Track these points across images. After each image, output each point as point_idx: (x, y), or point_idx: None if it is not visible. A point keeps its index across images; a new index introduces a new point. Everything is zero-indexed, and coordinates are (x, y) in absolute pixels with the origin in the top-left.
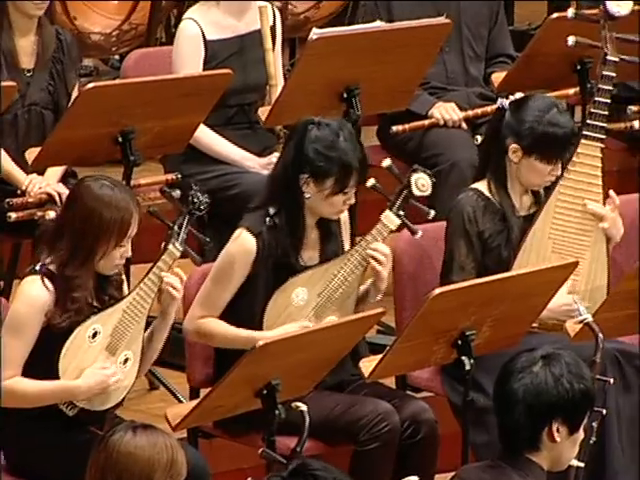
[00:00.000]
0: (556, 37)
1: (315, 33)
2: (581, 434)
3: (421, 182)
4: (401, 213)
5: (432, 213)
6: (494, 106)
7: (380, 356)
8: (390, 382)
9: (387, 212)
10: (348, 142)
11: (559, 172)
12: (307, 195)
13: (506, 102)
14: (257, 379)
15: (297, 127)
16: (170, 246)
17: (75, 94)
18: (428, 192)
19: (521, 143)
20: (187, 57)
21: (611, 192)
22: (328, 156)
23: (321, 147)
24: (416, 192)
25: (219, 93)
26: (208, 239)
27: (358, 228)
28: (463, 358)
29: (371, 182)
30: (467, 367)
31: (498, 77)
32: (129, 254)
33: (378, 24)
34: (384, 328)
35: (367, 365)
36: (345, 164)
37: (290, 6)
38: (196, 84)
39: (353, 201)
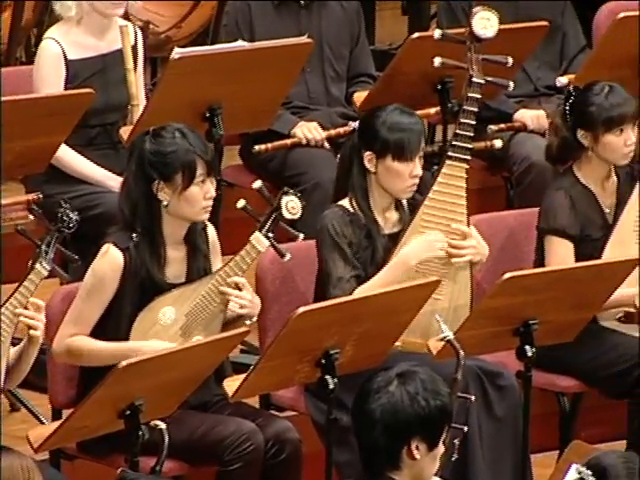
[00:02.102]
0: (417, 57)
1: (177, 52)
2: (441, 449)
3: (291, 205)
4: (270, 235)
5: (301, 237)
6: (351, 125)
7: (244, 376)
8: (254, 401)
9: (256, 234)
10: (185, 137)
11: (419, 171)
12: (165, 202)
13: (357, 124)
14: (120, 399)
15: (134, 143)
16: (37, 265)
17: None
18: (298, 215)
19: (373, 148)
20: (48, 77)
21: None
22: (167, 152)
23: (158, 149)
24: (286, 214)
25: (80, 113)
26: (77, 257)
27: (225, 248)
28: (327, 377)
29: (241, 203)
30: (331, 386)
31: (360, 96)
32: None
33: (240, 44)
34: (248, 347)
35: (231, 385)
36: (185, 156)
37: (152, 25)
38: (57, 104)
39: (213, 194)
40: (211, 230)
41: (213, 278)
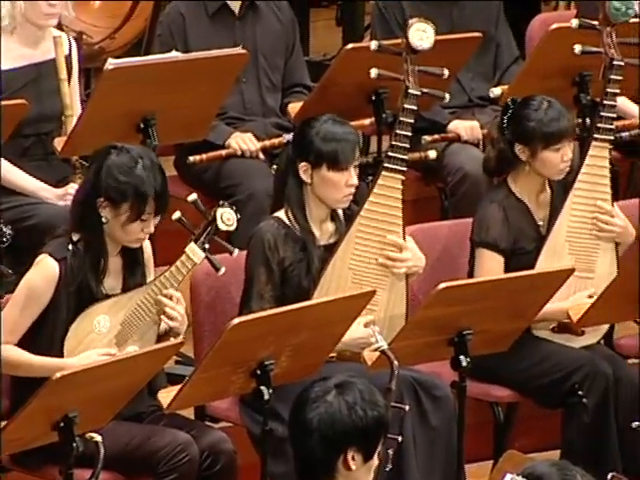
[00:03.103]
0: (351, 68)
1: (111, 63)
2: (375, 461)
3: (226, 217)
4: (206, 247)
5: (236, 252)
6: (285, 138)
7: (179, 387)
8: (189, 412)
9: (192, 245)
10: (146, 170)
11: (355, 181)
12: (104, 220)
13: (291, 136)
14: (54, 411)
15: (99, 152)
16: None
17: None
18: (233, 227)
19: (308, 159)
20: None
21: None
22: (123, 181)
23: (117, 172)
24: (222, 227)
25: (14, 123)
26: (10, 271)
27: (161, 259)
28: (262, 388)
29: (176, 215)
30: (266, 397)
31: (294, 107)
32: None
33: (174, 54)
34: (183, 358)
35: (166, 396)
36: (139, 191)
37: (85, 36)
38: None
39: (152, 230)
40: (146, 242)
41: (149, 288)
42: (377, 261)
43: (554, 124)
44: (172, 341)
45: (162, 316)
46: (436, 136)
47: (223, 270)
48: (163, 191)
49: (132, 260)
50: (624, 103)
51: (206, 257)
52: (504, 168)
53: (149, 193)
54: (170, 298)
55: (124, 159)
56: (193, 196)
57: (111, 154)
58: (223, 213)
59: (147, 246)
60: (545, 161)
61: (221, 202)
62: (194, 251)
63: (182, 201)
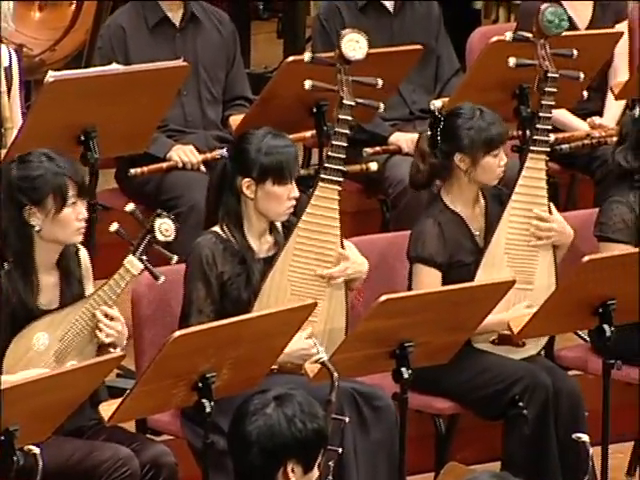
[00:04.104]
0: (292, 80)
1: (51, 76)
2: (316, 473)
3: (164, 227)
4: (144, 258)
5: (175, 258)
6: (218, 153)
7: (120, 400)
8: (130, 426)
9: (130, 257)
10: (53, 160)
11: (297, 193)
12: (37, 227)
13: (225, 152)
14: None
15: (2, 170)
16: None
17: None
18: (172, 237)
19: (251, 175)
20: None
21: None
22: (36, 177)
23: (27, 173)
24: (160, 237)
25: None
26: None
27: (102, 272)
28: (203, 401)
29: (114, 226)
30: (207, 410)
31: (236, 120)
32: None
33: (115, 67)
34: (124, 372)
35: (107, 409)
36: (54, 179)
37: (25, 49)
38: None
39: (85, 215)
40: (83, 253)
41: (87, 302)
42: (316, 272)
43: (493, 129)
44: (113, 353)
45: (98, 333)
46: (377, 148)
47: (162, 279)
48: (75, 171)
49: (68, 273)
50: (565, 115)
51: (145, 267)
52: (433, 181)
53: (64, 177)
54: (106, 316)
55: (26, 162)
56: (130, 206)
57: (12, 167)
58: (161, 224)
59: (84, 256)
60: (485, 167)
61: (159, 211)
62: (132, 263)
63: (123, 213)
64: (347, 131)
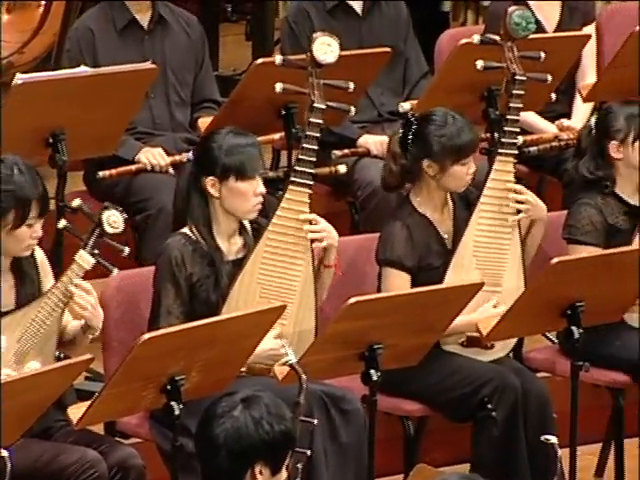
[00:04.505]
0: (261, 82)
1: (19, 78)
2: (284, 475)
3: (112, 219)
4: (96, 252)
5: (127, 250)
6: (185, 156)
7: (89, 403)
8: (99, 428)
9: (81, 252)
10: (24, 175)
11: (263, 189)
12: None
13: (191, 155)
14: None
15: None
16: None
17: None
18: (120, 229)
19: (215, 173)
20: None
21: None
22: (4, 190)
23: None
24: (108, 229)
25: None
26: None
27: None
28: (172, 403)
29: (62, 223)
30: (176, 412)
31: (204, 122)
32: None
33: (83, 69)
34: (93, 375)
35: (75, 412)
36: (22, 196)
37: None
38: None
39: (40, 234)
40: (39, 253)
41: (41, 301)
42: (285, 275)
43: (463, 138)
44: (89, 338)
45: (73, 305)
46: (346, 151)
47: (116, 271)
48: (44, 192)
49: (23, 275)
50: (533, 118)
51: (97, 261)
52: (404, 183)
53: (31, 197)
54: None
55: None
56: (77, 201)
57: None
58: (109, 216)
59: (40, 256)
60: (453, 175)
61: (106, 204)
62: (83, 258)
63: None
64: (318, 134)
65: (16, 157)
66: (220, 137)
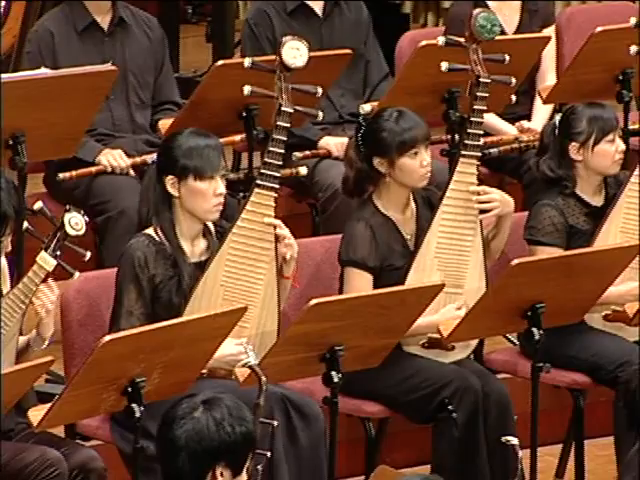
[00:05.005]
0: (222, 84)
1: None
2: (244, 477)
3: (74, 221)
4: (57, 254)
5: (88, 255)
6: (149, 159)
7: (49, 405)
8: (59, 431)
9: (42, 254)
10: (3, 192)
11: (223, 190)
12: None
13: (155, 157)
14: None
15: None
16: None
17: None
18: (82, 231)
19: (174, 172)
20: None
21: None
22: None
23: None
24: (70, 232)
25: None
26: None
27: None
28: (133, 405)
29: (24, 226)
30: (137, 414)
31: (165, 124)
32: None
33: (43, 71)
34: (53, 377)
35: (36, 414)
36: (1, 213)
37: None
38: None
39: (9, 248)
40: (3, 260)
41: (2, 303)
42: (248, 278)
43: (406, 131)
44: (41, 358)
45: (35, 301)
46: (307, 152)
47: (77, 275)
48: (21, 209)
49: None
50: (493, 120)
51: (58, 264)
52: (364, 186)
53: (10, 214)
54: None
55: None
56: (39, 204)
57: None
58: (71, 218)
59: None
60: (403, 168)
61: (68, 207)
62: (45, 259)
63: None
64: (285, 138)
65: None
66: (181, 138)
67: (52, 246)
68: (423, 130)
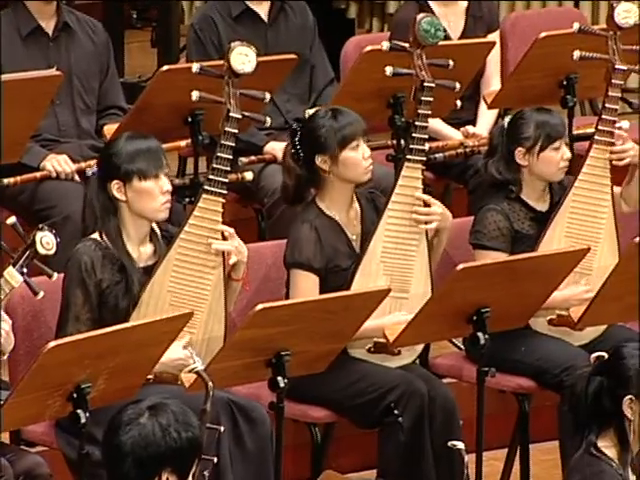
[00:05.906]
0: (167, 89)
1: None
2: None
3: (45, 240)
4: (25, 271)
5: (55, 275)
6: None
7: None
8: (4, 437)
9: (10, 268)
10: None
11: (169, 187)
12: None
13: (95, 168)
14: None
15: None
16: None
17: None
18: (53, 251)
19: (118, 177)
20: None
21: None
22: None
23: None
24: (41, 250)
25: None
26: None
27: None
28: (78, 411)
29: None
30: (82, 420)
31: (110, 129)
32: None
33: None
34: None
35: None
36: None
37: None
38: None
39: None
40: None
41: None
42: (196, 283)
43: (345, 124)
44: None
45: None
46: (252, 157)
47: (42, 294)
48: None
49: None
50: (438, 125)
51: (24, 281)
52: (303, 194)
53: None
54: None
55: None
56: (12, 219)
57: None
58: (43, 237)
59: None
60: (346, 162)
61: (40, 226)
62: (12, 275)
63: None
64: (232, 143)
65: None
66: (120, 143)
67: (20, 262)
68: (361, 124)
